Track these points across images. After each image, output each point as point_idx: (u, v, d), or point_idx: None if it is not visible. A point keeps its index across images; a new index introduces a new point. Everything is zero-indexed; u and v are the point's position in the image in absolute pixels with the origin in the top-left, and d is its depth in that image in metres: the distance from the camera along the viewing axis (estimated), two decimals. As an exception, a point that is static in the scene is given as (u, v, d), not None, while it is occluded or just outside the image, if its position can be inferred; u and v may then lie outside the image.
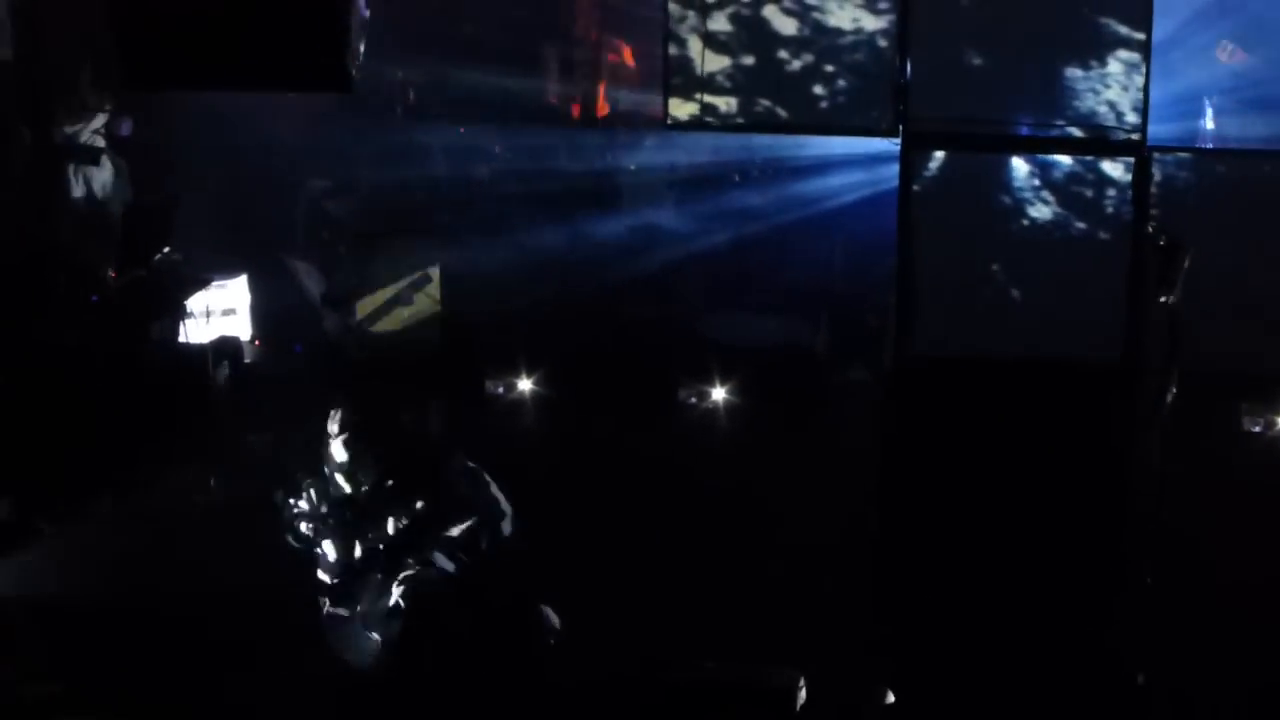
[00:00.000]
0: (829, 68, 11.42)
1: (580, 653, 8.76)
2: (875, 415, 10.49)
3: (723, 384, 12.18)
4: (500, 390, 12.31)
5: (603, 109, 14.25)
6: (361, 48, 8.55)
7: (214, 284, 11.68)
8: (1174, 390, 8.33)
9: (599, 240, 13.09)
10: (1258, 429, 11.56)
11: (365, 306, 12.15)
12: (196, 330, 11.24)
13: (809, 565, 9.74)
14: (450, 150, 13.37)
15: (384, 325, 12.09)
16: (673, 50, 11.65)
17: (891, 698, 7.94)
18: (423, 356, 11.87)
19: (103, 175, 12.62)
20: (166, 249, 11.22)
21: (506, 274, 12.68)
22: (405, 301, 11.96)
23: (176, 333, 11.16)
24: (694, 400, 12.22)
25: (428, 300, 12.41)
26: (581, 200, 13.19)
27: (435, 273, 12.51)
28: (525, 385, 12.29)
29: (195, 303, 11.38)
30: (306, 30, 8.40)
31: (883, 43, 11.25)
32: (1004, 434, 9.76)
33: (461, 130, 13.57)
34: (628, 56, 14.30)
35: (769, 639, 8.80)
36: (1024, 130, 10.93)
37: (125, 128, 12.50)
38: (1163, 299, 8.39)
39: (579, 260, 12.92)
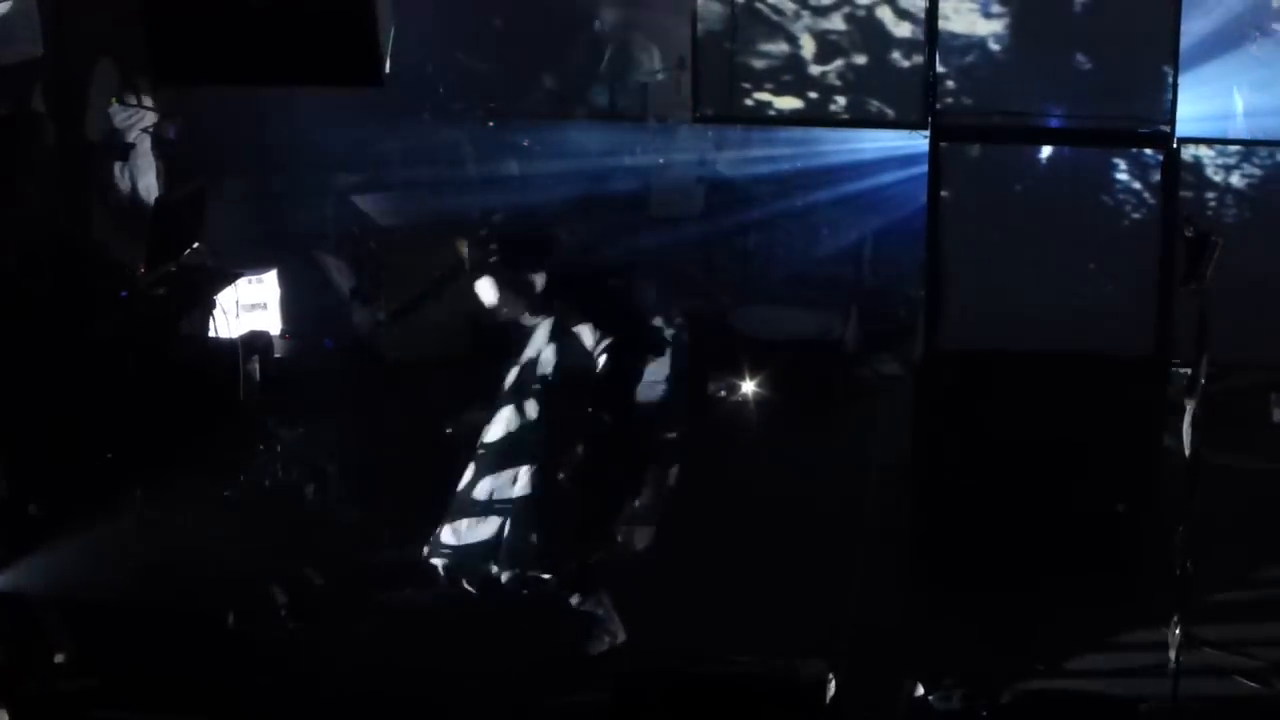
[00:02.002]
0: (857, 60, 11.41)
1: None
2: (905, 408, 10.50)
3: (752, 377, 12.18)
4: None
5: (631, 103, 14.25)
6: (390, 41, 8.57)
7: (244, 279, 11.68)
8: (1204, 382, 8.35)
9: (628, 234, 13.09)
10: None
11: (395, 302, 12.15)
12: (226, 325, 11.26)
13: (838, 558, 9.73)
14: (480, 144, 13.38)
15: (414, 321, 12.09)
16: (701, 44, 11.67)
17: (920, 690, 7.92)
18: (453, 353, 11.86)
19: (132, 170, 12.66)
20: (196, 244, 11.23)
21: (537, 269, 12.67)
22: (435, 298, 11.94)
23: (206, 328, 11.18)
24: (723, 393, 12.23)
25: (458, 296, 12.40)
26: (610, 194, 13.19)
27: (466, 269, 12.50)
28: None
29: (225, 298, 11.39)
30: (337, 24, 8.43)
31: (911, 36, 11.26)
32: (1034, 428, 9.75)
33: (491, 124, 13.58)
34: (656, 49, 14.31)
35: (798, 632, 8.79)
36: (1053, 122, 10.91)
37: (170, 129, 12.56)
38: (1193, 291, 8.40)
39: (609, 254, 12.91)
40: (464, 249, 9.87)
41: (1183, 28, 11.00)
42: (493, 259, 9.23)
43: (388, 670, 8.62)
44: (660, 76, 14.24)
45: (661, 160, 13.40)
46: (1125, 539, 9.62)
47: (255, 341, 10.82)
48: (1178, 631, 8.22)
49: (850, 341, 12.68)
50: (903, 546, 9.81)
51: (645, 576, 9.41)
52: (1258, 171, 11.28)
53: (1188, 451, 8.40)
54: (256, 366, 10.53)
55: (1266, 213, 10.98)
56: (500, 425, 9.07)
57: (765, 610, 9.13)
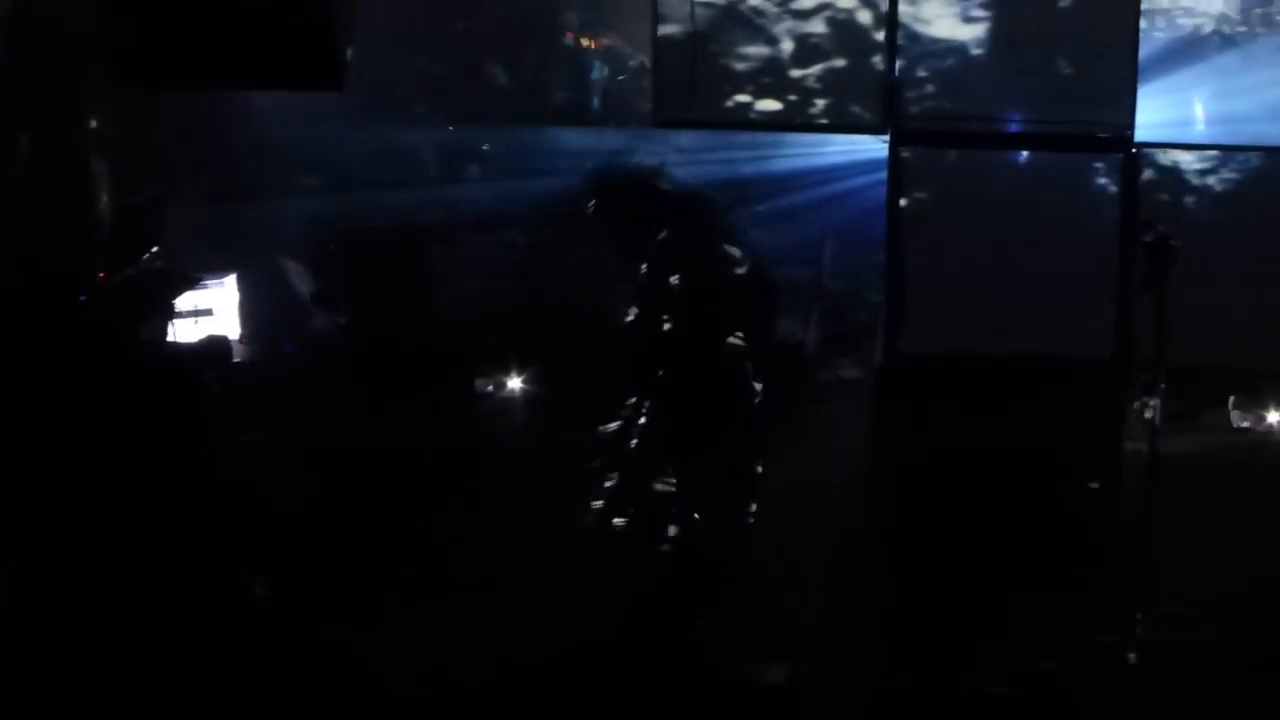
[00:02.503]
0: (818, 65, 11.44)
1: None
2: (866, 411, 10.53)
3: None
4: (489, 389, 12.31)
5: (592, 106, 14.26)
6: (351, 46, 8.56)
7: (203, 283, 11.65)
8: (1163, 385, 8.40)
9: (588, 237, 13.06)
10: (1246, 424, 11.60)
11: (354, 305, 12.13)
12: (186, 330, 11.22)
13: (800, 559, 9.72)
14: (440, 148, 13.37)
15: (374, 324, 12.07)
16: (662, 47, 11.68)
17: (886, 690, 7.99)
18: (413, 355, 11.85)
19: (91, 176, 12.60)
20: (155, 249, 11.19)
21: (496, 272, 12.69)
22: (393, 300, 11.94)
23: (165, 332, 11.14)
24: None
25: (417, 299, 12.41)
26: (570, 198, 13.18)
27: (425, 271, 12.51)
28: (514, 384, 12.28)
29: (184, 302, 11.35)
30: (297, 29, 8.42)
31: (871, 40, 11.29)
32: (994, 430, 9.79)
33: (451, 128, 13.57)
34: (618, 55, 14.32)
35: (765, 635, 8.83)
36: (1012, 127, 10.95)
37: (114, 128, 12.48)
38: (1150, 294, 8.45)
39: (570, 257, 12.92)
40: None
41: (1144, 34, 11.10)
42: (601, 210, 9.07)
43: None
44: (621, 80, 14.26)
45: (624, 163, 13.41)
46: (1086, 538, 9.67)
47: (213, 346, 10.80)
48: (1139, 629, 8.31)
49: (811, 345, 12.70)
50: (864, 548, 9.81)
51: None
52: (1218, 177, 11.37)
53: (1147, 453, 8.45)
54: (214, 371, 10.50)
55: (1225, 218, 11.08)
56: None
57: (726, 613, 9.09)
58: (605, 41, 14.31)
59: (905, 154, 10.70)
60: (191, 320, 11.48)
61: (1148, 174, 11.15)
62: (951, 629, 9.01)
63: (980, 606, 9.16)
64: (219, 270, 11.84)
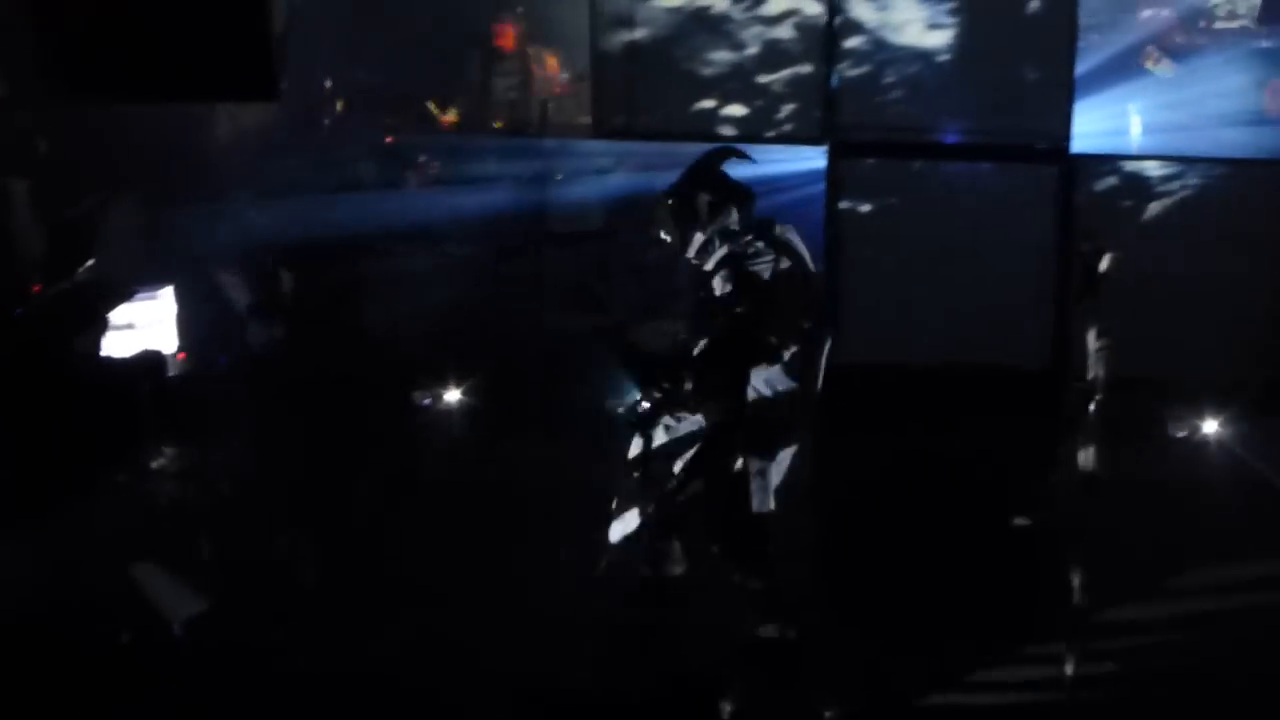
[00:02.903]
0: (757, 77, 11.49)
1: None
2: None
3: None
4: (427, 402, 12.29)
5: (531, 118, 14.27)
6: (287, 59, 8.55)
7: (139, 296, 11.58)
8: (1100, 395, 8.44)
9: (529, 250, 13.09)
10: (1183, 433, 11.66)
11: (290, 318, 12.09)
12: (121, 343, 11.16)
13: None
14: (378, 160, 13.35)
15: (310, 336, 12.04)
16: (602, 59, 11.70)
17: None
18: (349, 368, 11.83)
19: (24, 189, 12.52)
20: (91, 261, 11.13)
21: (434, 284, 12.68)
22: (330, 312, 11.92)
23: (101, 345, 11.07)
24: (623, 409, 12.23)
25: (354, 311, 12.39)
26: (510, 209, 13.20)
27: (362, 283, 12.49)
28: (452, 396, 12.26)
29: (120, 315, 11.29)
30: (232, 41, 8.40)
31: (811, 53, 11.33)
32: (933, 439, 9.83)
33: (389, 140, 13.55)
34: (556, 65, 14.33)
35: (699, 644, 8.81)
36: (950, 138, 11.02)
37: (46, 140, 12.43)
38: (1087, 304, 8.50)
39: (507, 270, 12.92)
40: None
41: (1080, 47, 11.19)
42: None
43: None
44: (560, 91, 14.27)
45: (561, 175, 13.41)
46: (1023, 550, 9.71)
47: (149, 360, 10.74)
48: (1074, 642, 8.30)
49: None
50: (803, 558, 9.82)
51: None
52: (1153, 188, 11.45)
53: (1085, 463, 8.48)
54: (150, 385, 10.45)
55: (1160, 228, 11.15)
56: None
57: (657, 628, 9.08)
58: (545, 52, 14.33)
59: (844, 165, 10.76)
60: (126, 333, 11.41)
61: (1084, 185, 11.21)
62: (884, 632, 9.04)
63: (916, 611, 9.19)
64: (154, 283, 11.78)
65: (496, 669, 8.65)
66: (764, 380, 8.56)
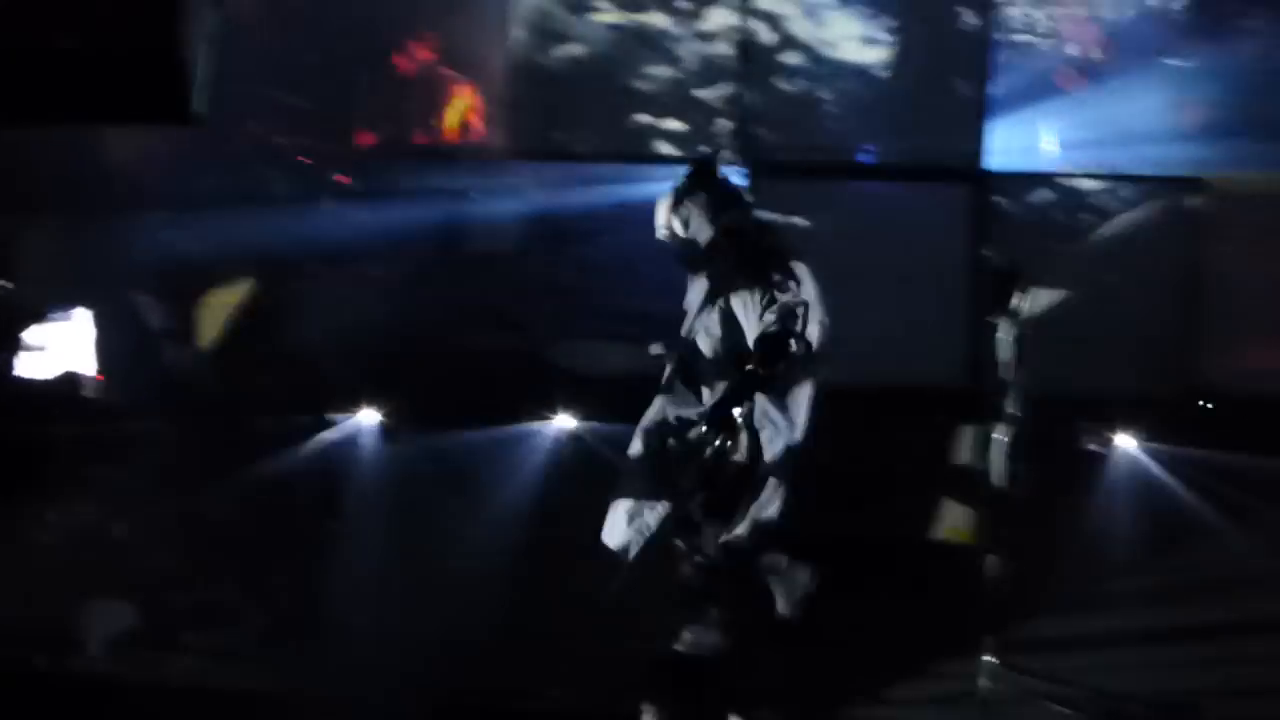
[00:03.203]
0: (676, 98, 11.56)
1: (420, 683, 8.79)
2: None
3: (569, 411, 12.23)
4: (344, 421, 12.29)
5: (449, 139, 14.26)
6: (204, 80, 8.54)
7: (54, 318, 11.54)
8: (1017, 411, 8.52)
9: (445, 271, 13.08)
10: (1095, 446, 11.79)
11: (207, 339, 12.08)
12: (36, 365, 11.12)
13: (657, 589, 9.76)
14: (295, 182, 13.32)
15: (227, 357, 12.03)
16: (519, 81, 11.74)
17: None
18: (266, 388, 11.83)
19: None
20: (3, 283, 11.10)
21: (349, 304, 12.67)
22: (248, 333, 11.91)
23: (14, 367, 11.04)
24: (542, 429, 12.28)
25: (270, 332, 12.38)
26: (428, 231, 13.18)
27: (279, 304, 12.47)
28: (370, 416, 12.28)
29: (34, 337, 11.25)
30: (147, 63, 8.39)
31: (729, 75, 11.42)
32: (851, 459, 9.87)
33: (306, 161, 13.53)
34: (474, 85, 14.33)
35: (614, 669, 8.85)
36: (868, 158, 11.12)
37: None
38: (1002, 322, 8.57)
39: (425, 291, 12.91)
40: None
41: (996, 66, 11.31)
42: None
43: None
44: (477, 112, 14.27)
45: (477, 195, 13.42)
46: (940, 566, 9.78)
47: (65, 381, 10.71)
48: (990, 658, 8.37)
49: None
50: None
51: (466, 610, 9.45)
52: (1067, 204, 11.58)
53: (1001, 480, 8.54)
54: (66, 405, 10.43)
55: (1074, 243, 11.28)
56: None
57: (579, 645, 9.23)
58: (463, 72, 14.33)
59: (763, 185, 10.84)
60: (39, 354, 11.39)
61: (999, 202, 11.35)
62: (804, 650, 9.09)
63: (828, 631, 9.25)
64: (68, 304, 11.75)
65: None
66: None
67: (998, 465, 8.64)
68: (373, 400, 12.27)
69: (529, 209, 13.38)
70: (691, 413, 8.75)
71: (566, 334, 13.08)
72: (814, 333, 8.48)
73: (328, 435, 12.11)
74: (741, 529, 8.65)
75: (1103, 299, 11.62)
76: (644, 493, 8.72)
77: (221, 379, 12.07)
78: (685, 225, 8.77)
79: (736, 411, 8.45)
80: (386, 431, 12.24)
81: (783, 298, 8.41)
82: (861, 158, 11.36)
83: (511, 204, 13.35)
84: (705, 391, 8.74)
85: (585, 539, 10.31)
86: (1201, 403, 11.95)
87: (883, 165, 11.23)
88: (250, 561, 10.04)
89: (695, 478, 8.62)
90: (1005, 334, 8.64)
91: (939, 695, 8.78)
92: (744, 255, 8.72)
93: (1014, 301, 8.70)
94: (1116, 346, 11.64)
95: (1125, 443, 11.72)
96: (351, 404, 12.28)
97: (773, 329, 8.33)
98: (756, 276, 8.66)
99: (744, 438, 8.46)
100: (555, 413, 12.23)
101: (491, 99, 13.80)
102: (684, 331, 8.94)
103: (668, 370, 8.97)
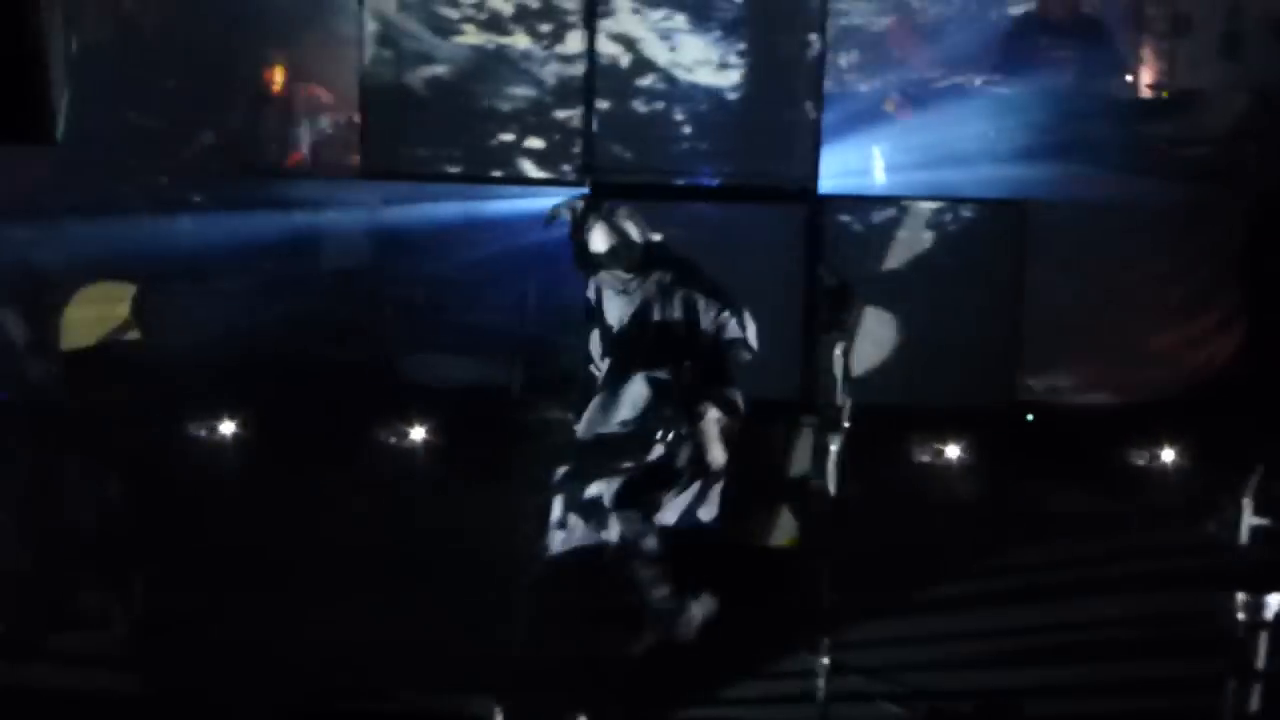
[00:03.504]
0: (521, 118, 11.74)
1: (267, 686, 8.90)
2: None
3: (420, 425, 12.46)
4: (202, 433, 12.38)
5: (299, 158, 14.33)
6: (65, 101, 8.59)
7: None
8: (848, 424, 8.75)
9: (298, 286, 13.15)
10: (926, 459, 12.16)
11: (70, 353, 12.06)
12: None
13: (503, 595, 9.90)
14: (154, 199, 13.31)
15: (88, 371, 12.04)
16: (369, 99, 11.86)
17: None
18: (126, 401, 11.84)
19: None
20: None
21: (208, 320, 12.71)
22: (109, 348, 11.92)
23: None
24: (392, 441, 12.45)
25: (131, 347, 12.39)
26: (280, 247, 13.23)
27: (138, 320, 12.48)
28: (227, 428, 12.36)
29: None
30: (7, 84, 8.41)
31: (571, 95, 11.62)
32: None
33: (165, 180, 13.54)
34: (327, 106, 14.41)
35: (467, 670, 9.02)
36: (704, 180, 11.38)
37: None
38: (834, 338, 8.80)
39: (279, 306, 12.97)
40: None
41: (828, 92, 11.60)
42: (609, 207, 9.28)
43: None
44: (329, 132, 14.36)
45: (331, 213, 13.48)
46: (775, 573, 10.03)
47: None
48: (825, 660, 8.56)
49: (516, 388, 12.93)
50: (563, 582, 9.97)
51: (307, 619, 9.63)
52: (896, 226, 11.92)
53: (832, 491, 8.78)
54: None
55: (902, 263, 11.61)
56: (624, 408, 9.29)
57: (434, 648, 9.35)
58: (317, 92, 14.40)
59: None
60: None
61: (831, 223, 11.61)
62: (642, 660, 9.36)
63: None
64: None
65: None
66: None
67: (830, 476, 8.78)
68: (226, 411, 12.38)
69: (380, 225, 13.48)
70: (634, 415, 9.16)
71: (416, 347, 13.21)
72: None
73: (184, 444, 12.23)
74: (668, 516, 9.04)
75: (931, 316, 11.95)
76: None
77: (75, 391, 12.05)
78: (627, 235, 9.12)
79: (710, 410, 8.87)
80: (240, 441, 12.35)
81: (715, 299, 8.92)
82: (699, 180, 11.61)
83: (363, 220, 13.44)
84: (638, 395, 9.15)
85: (442, 544, 10.67)
86: (1026, 415, 12.34)
87: (719, 187, 11.48)
88: (109, 567, 10.09)
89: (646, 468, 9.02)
90: (837, 349, 8.79)
91: (776, 695, 9.00)
92: (672, 260, 9.12)
93: (845, 318, 8.88)
94: (944, 361, 11.97)
95: (953, 453, 12.18)
96: (206, 415, 12.39)
97: (737, 326, 8.88)
98: (694, 278, 9.09)
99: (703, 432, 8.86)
100: (406, 424, 12.43)
101: (345, 117, 13.90)
102: (610, 344, 9.39)
103: (602, 380, 9.36)
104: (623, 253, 9.24)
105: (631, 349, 9.37)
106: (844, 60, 14.67)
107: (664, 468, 9.28)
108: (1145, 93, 14.80)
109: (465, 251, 13.22)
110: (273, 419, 12.41)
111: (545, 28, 11.80)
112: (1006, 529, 11.22)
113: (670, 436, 9.19)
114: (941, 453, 12.11)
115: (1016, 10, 14.62)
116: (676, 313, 9.26)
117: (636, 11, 11.75)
